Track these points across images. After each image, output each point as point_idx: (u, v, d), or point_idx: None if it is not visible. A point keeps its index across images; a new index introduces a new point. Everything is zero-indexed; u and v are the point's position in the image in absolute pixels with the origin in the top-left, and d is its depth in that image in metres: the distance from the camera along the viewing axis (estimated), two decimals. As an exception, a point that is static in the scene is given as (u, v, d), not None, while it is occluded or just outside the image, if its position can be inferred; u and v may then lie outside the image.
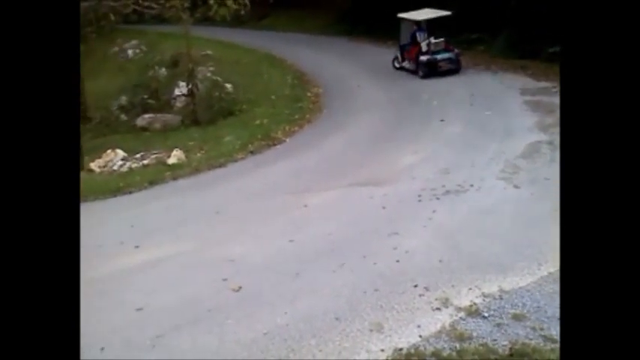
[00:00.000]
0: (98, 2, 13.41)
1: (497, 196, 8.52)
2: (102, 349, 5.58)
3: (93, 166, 12.26)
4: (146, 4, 13.72)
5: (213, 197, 9.69)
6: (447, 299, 5.95)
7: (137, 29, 22.55)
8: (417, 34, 15.91)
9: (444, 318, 5.66)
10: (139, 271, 7.19)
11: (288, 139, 12.62)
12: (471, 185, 8.92)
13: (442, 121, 12.35)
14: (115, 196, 10.24)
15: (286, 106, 15.12)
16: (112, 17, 15.32)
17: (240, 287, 6.53)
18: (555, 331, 5.29)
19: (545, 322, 5.46)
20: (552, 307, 5.67)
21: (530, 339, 5.25)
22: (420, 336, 5.41)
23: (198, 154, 12.20)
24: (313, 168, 10.59)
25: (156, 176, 10.94)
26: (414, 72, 15.99)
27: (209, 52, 19.10)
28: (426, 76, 15.53)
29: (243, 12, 16.01)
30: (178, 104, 16.45)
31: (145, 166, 12.00)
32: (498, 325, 5.50)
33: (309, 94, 16.04)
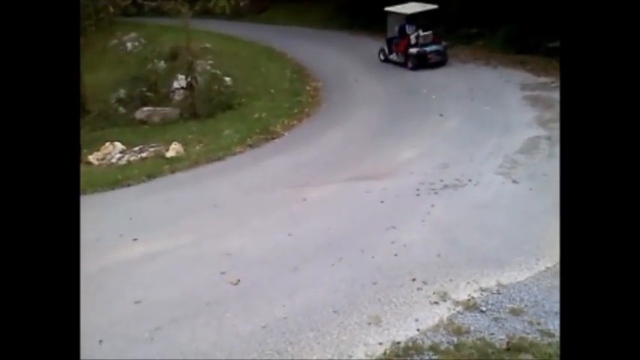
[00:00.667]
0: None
1: (495, 191, 8.54)
2: (100, 341, 5.59)
3: (91, 158, 12.24)
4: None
5: (212, 191, 9.68)
6: (444, 293, 5.97)
7: (136, 22, 22.45)
8: (407, 27, 15.99)
9: (442, 312, 5.69)
10: (137, 264, 7.19)
11: (286, 133, 12.61)
12: (470, 180, 8.93)
13: (441, 115, 12.34)
14: (113, 189, 10.22)
15: (285, 99, 15.09)
16: (111, 10, 15.28)
17: (239, 280, 6.54)
18: (553, 326, 5.32)
19: (543, 317, 5.49)
20: (550, 301, 5.70)
21: (528, 333, 5.27)
22: (418, 330, 5.43)
23: (197, 148, 12.18)
24: (312, 162, 10.58)
25: (154, 169, 10.93)
26: (402, 64, 16.19)
27: (208, 45, 19.03)
28: (414, 68, 15.79)
29: (242, 4, 15.99)
30: (177, 97, 16.39)
31: (143, 159, 11.97)
32: (496, 319, 5.52)
33: (308, 87, 16.01)
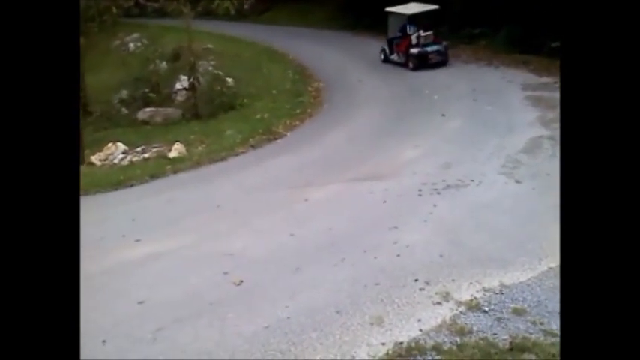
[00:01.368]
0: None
1: (498, 191, 8.53)
2: (103, 341, 5.60)
3: (94, 159, 12.27)
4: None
5: (214, 191, 9.69)
6: (447, 293, 5.97)
7: (139, 23, 22.51)
8: (408, 27, 15.99)
9: (445, 312, 5.68)
10: (140, 264, 7.20)
11: (289, 134, 12.62)
12: (472, 180, 8.92)
13: (443, 115, 12.33)
14: (116, 189, 10.25)
15: (287, 100, 15.11)
16: (114, 11, 15.32)
17: (242, 281, 6.54)
18: (555, 325, 5.30)
19: (546, 317, 5.48)
20: (553, 301, 5.69)
21: (531, 333, 5.26)
22: (421, 330, 5.42)
23: (199, 148, 12.20)
24: (314, 162, 10.59)
25: (157, 170, 10.95)
26: (403, 65, 16.19)
27: (210, 45, 19.08)
28: (416, 68, 15.79)
29: (245, 6, 16.01)
30: (179, 98, 16.44)
31: (145, 159, 12.00)
32: (499, 319, 5.51)
33: (310, 88, 16.02)
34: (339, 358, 5.13)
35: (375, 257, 6.83)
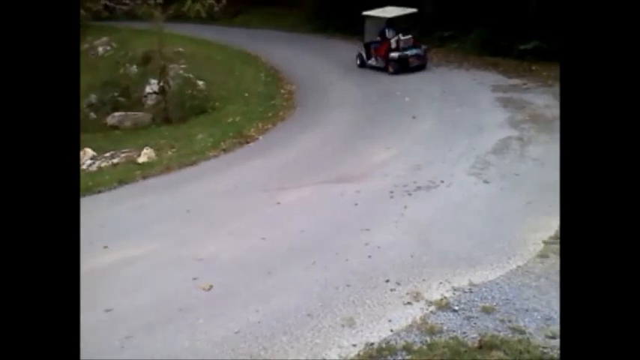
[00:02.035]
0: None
1: (467, 192, 8.63)
2: (69, 351, 5.46)
3: (62, 165, 12.00)
4: None
5: (185, 196, 9.57)
6: (418, 293, 5.99)
7: (108, 26, 22.13)
8: (387, 31, 15.95)
9: (415, 312, 5.70)
10: (108, 271, 7.05)
11: (261, 137, 12.56)
12: (442, 181, 9.01)
13: (414, 117, 12.44)
14: (83, 196, 9.98)
15: (259, 103, 15.05)
16: (82, 14, 15.05)
17: (212, 286, 6.46)
18: (523, 323, 5.38)
19: (514, 315, 5.54)
20: (520, 299, 5.77)
21: (499, 331, 5.32)
22: (392, 330, 5.43)
23: (170, 153, 12.05)
24: (286, 165, 10.56)
25: (126, 175, 10.76)
26: (382, 69, 16.02)
27: (181, 49, 18.87)
28: (396, 72, 15.62)
29: (217, 8, 15.91)
30: (149, 102, 16.22)
31: (114, 165, 11.79)
32: (468, 318, 5.56)
33: (282, 91, 15.99)
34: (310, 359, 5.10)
35: (346, 259, 6.83)
